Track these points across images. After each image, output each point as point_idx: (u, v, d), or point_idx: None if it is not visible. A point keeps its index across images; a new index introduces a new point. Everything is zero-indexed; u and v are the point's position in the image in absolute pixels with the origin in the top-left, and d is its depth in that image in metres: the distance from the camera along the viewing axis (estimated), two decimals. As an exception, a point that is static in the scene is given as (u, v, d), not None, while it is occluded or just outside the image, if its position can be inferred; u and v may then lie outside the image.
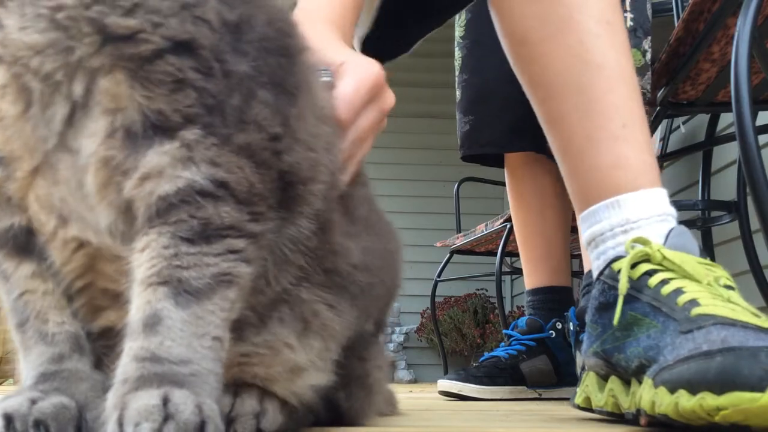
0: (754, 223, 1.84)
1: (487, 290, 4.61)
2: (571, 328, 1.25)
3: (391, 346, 4.69)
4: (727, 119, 2.05)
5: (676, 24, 1.43)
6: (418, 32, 1.11)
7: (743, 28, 1.01)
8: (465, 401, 1.47)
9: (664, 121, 2.30)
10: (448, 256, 3.12)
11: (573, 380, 1.30)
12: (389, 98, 0.68)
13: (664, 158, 2.24)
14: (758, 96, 1.41)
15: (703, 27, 1.29)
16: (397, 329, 4.73)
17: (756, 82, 1.30)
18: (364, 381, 0.68)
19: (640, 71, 1.40)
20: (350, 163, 0.63)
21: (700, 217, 2.08)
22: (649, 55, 1.43)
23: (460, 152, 1.70)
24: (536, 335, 1.54)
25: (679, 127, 2.45)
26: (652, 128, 1.59)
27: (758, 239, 1.84)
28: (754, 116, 1.05)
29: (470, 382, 1.52)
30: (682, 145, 2.42)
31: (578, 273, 2.43)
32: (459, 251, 3.03)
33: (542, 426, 0.75)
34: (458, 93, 1.68)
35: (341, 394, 0.66)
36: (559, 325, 1.53)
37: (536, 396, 1.52)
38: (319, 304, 0.58)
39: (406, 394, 1.95)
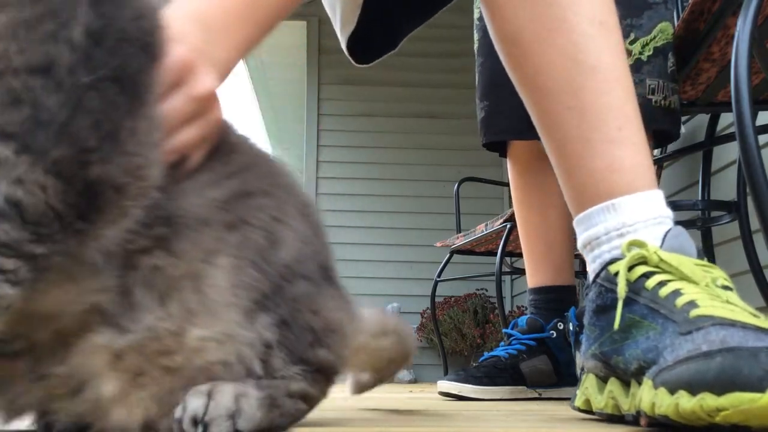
0: (754, 223, 1.84)
1: (487, 290, 4.61)
2: (571, 328, 1.25)
3: (391, 346, 4.68)
4: (727, 119, 2.05)
5: (676, 24, 1.43)
6: (405, 28, 1.09)
7: (743, 28, 1.01)
8: (465, 401, 1.46)
9: (664, 121, 2.30)
10: (448, 256, 3.12)
11: (573, 380, 1.29)
12: (201, 84, 0.64)
13: (664, 158, 2.24)
14: (758, 96, 1.41)
15: (703, 27, 1.28)
16: (397, 329, 4.72)
17: (756, 82, 1.30)
18: (330, 327, 0.66)
19: (671, 47, 1.31)
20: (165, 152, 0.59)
21: (700, 217, 2.08)
22: None
23: (481, 140, 1.61)
24: (536, 335, 1.53)
25: (679, 127, 2.45)
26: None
27: (758, 239, 1.84)
28: (754, 116, 1.05)
29: (470, 383, 1.52)
30: (682, 145, 2.41)
31: (580, 273, 2.43)
32: (459, 251, 3.03)
33: (542, 426, 0.75)
34: (477, 77, 1.61)
35: (321, 351, 0.64)
36: (560, 326, 1.52)
37: (536, 396, 1.51)
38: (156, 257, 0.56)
39: (406, 394, 1.95)
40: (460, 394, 1.51)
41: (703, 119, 2.21)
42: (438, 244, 3.21)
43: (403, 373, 4.64)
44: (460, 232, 3.06)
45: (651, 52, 1.27)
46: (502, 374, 1.52)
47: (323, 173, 5.07)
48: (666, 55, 1.31)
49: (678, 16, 1.87)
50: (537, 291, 1.59)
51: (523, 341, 1.54)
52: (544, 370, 1.52)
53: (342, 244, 4.92)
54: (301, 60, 5.27)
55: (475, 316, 4.50)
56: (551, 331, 1.53)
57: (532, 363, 1.52)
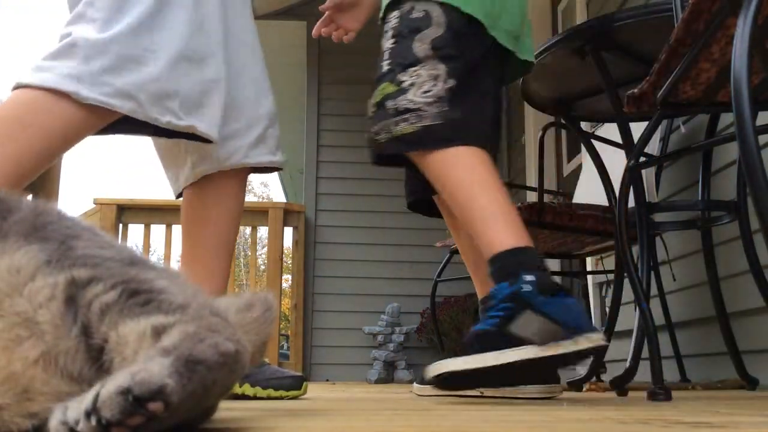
0: (754, 223, 1.84)
1: (487, 290, 4.60)
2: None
3: (391, 346, 4.69)
4: (727, 119, 2.05)
5: (676, 24, 1.43)
6: None
7: (743, 28, 1.01)
8: (467, 401, 1.46)
9: (664, 121, 2.30)
10: (448, 256, 3.12)
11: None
12: None
13: (664, 158, 2.24)
14: (758, 96, 1.41)
15: (703, 27, 1.29)
16: (397, 329, 4.73)
17: (756, 82, 1.30)
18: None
19: (393, 95, 1.48)
20: None
21: (700, 217, 2.08)
22: (408, 83, 1.48)
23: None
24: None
25: (679, 127, 2.45)
26: (652, 128, 1.59)
27: (758, 239, 1.84)
28: (754, 116, 1.06)
29: (423, 382, 1.59)
30: (682, 145, 2.41)
31: (579, 273, 2.43)
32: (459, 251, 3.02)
33: (542, 426, 0.75)
34: None
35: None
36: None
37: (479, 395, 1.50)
38: None
39: (405, 394, 1.95)
40: (417, 393, 1.62)
41: (703, 119, 2.22)
42: (438, 244, 3.21)
43: (403, 373, 4.64)
44: (460, 232, 3.05)
45: (375, 109, 1.55)
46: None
47: (323, 173, 5.06)
48: (383, 104, 1.52)
49: (678, 16, 1.87)
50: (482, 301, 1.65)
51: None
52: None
53: (342, 244, 4.92)
54: (301, 60, 5.27)
55: (475, 316, 4.50)
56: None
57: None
